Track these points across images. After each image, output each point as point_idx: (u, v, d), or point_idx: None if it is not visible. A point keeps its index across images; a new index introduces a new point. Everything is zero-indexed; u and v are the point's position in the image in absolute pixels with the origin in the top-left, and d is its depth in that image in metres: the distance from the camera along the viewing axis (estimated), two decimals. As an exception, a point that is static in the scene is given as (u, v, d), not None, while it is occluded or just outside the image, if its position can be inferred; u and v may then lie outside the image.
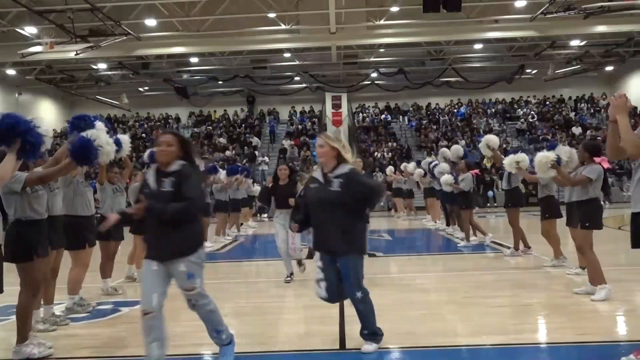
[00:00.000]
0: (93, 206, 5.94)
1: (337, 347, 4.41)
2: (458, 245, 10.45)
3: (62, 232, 5.23)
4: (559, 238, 7.72)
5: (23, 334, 4.32)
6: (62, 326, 5.22)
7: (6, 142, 3.69)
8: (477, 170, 10.72)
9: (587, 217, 5.79)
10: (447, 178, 10.78)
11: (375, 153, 26.92)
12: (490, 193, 22.27)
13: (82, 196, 5.74)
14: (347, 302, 5.88)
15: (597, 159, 5.87)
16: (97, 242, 6.30)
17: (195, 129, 30.68)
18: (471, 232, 10.57)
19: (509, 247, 9.20)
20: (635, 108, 28.32)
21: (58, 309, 5.57)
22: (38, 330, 4.87)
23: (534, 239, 8.81)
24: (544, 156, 5.88)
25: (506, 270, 7.88)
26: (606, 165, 5.87)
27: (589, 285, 5.78)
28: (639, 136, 3.66)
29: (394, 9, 19.11)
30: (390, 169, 19.39)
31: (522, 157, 7.53)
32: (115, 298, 6.58)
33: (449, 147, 13.38)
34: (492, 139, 9.02)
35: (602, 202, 6.03)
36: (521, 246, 8.95)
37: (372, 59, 26.39)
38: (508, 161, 7.43)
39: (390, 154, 26.73)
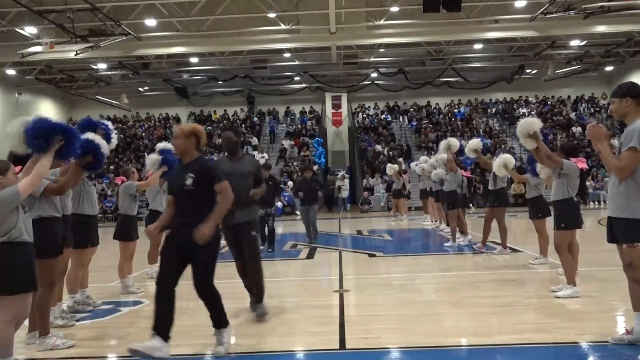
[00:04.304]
0: (97, 206, 5.97)
1: (337, 347, 4.41)
2: (444, 245, 10.49)
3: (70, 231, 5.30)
4: (548, 237, 7.78)
5: (44, 327, 4.57)
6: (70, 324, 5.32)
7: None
8: (467, 173, 10.79)
9: (562, 217, 5.85)
10: (438, 172, 11.13)
11: (376, 147, 26.95)
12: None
13: (89, 196, 5.75)
14: (347, 302, 5.90)
15: (573, 159, 5.90)
16: (119, 242, 6.75)
17: (195, 129, 30.66)
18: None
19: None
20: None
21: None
22: (57, 326, 5.05)
23: (529, 239, 8.86)
24: (527, 122, 5.84)
25: (506, 270, 7.87)
26: (582, 165, 5.92)
27: (565, 284, 5.95)
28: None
29: (394, 9, 19.10)
30: (391, 167, 19.28)
31: (507, 157, 7.79)
32: (128, 297, 6.60)
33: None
34: (475, 143, 9.45)
35: (578, 201, 6.05)
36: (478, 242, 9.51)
37: (372, 59, 26.37)
38: (496, 165, 7.82)
39: (391, 153, 26.74)
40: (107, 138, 5.29)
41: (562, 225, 5.82)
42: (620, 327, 4.79)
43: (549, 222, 7.55)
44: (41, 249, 4.38)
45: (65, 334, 4.87)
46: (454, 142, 10.46)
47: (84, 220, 5.63)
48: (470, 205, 21.25)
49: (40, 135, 3.97)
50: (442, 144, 10.65)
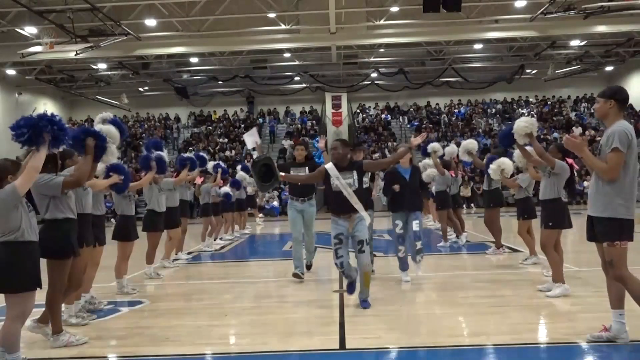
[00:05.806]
0: (104, 206, 5.95)
1: (337, 347, 4.41)
2: (437, 245, 10.47)
3: (92, 230, 5.36)
4: (534, 237, 7.81)
5: (56, 325, 4.61)
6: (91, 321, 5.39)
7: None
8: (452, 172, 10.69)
9: (550, 216, 5.88)
10: (430, 172, 11.00)
11: (376, 154, 26.91)
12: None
13: (95, 196, 5.70)
14: (347, 302, 5.89)
15: (568, 159, 5.95)
16: (117, 242, 6.73)
17: (195, 129, 30.70)
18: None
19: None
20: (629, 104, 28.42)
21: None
22: (70, 324, 5.08)
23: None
24: (525, 121, 5.78)
25: (507, 270, 7.87)
26: (574, 166, 5.98)
27: (551, 283, 5.98)
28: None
29: (394, 9, 19.10)
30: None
31: (506, 163, 7.72)
32: (126, 298, 6.59)
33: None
34: (472, 144, 9.46)
35: (565, 201, 6.03)
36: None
37: (372, 59, 26.38)
38: (493, 169, 7.76)
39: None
40: (102, 148, 4.83)
41: (550, 224, 5.86)
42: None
43: (533, 223, 7.59)
44: (51, 250, 4.43)
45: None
46: (437, 147, 10.23)
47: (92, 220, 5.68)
48: (472, 205, 21.30)
49: (25, 126, 3.85)
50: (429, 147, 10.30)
